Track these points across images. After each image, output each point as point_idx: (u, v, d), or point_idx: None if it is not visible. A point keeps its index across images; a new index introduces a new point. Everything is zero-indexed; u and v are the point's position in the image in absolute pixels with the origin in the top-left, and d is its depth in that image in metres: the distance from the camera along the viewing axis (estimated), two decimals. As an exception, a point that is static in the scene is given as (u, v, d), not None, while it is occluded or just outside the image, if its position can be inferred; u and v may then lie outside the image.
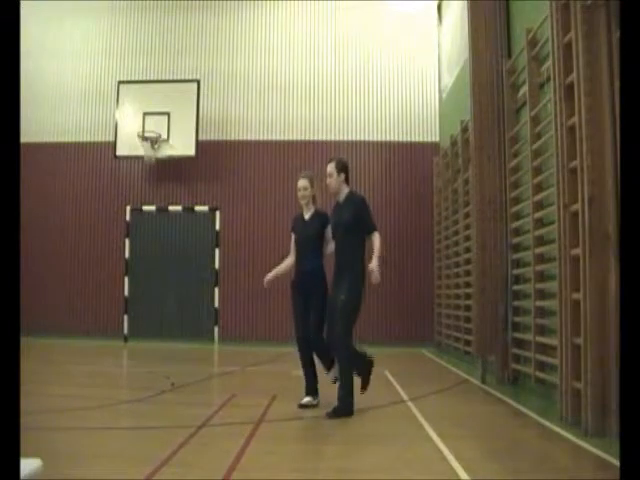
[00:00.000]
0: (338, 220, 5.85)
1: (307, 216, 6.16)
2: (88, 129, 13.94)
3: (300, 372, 6.12)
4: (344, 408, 5.51)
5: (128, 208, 13.52)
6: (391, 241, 13.16)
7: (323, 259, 6.05)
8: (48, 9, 14.05)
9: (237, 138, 13.84)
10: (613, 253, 4.63)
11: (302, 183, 6.14)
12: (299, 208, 6.30)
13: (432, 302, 12.69)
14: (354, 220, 5.73)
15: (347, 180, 5.94)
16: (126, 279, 13.24)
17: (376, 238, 5.73)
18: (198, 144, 13.06)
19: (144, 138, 12.91)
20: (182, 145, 13.03)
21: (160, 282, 13.42)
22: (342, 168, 5.88)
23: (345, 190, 5.90)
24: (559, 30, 5.39)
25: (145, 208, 13.60)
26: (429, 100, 13.71)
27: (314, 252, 6.00)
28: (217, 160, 13.73)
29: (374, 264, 5.57)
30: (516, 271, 7.60)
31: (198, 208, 13.63)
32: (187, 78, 13.49)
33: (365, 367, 5.94)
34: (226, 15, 14.15)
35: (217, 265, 13.41)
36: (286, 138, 13.78)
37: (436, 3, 13.70)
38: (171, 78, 13.58)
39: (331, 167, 5.87)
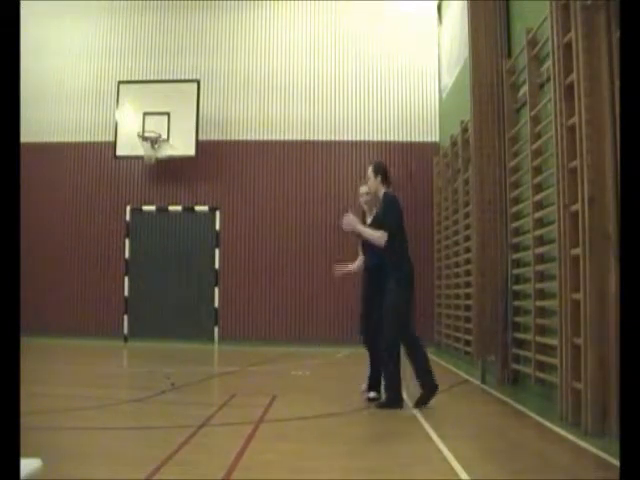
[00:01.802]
0: (379, 220, 6.16)
1: (369, 220, 6.44)
2: (88, 129, 13.95)
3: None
4: (389, 400, 5.77)
5: (128, 208, 13.52)
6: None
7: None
8: (48, 9, 14.05)
9: (237, 138, 13.84)
10: (613, 253, 4.63)
11: (363, 189, 6.51)
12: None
13: (432, 302, 12.68)
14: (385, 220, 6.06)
15: (385, 181, 6.19)
16: (126, 279, 13.25)
17: (380, 232, 5.93)
18: (198, 144, 13.06)
19: (144, 138, 12.91)
20: (182, 145, 13.03)
21: (160, 282, 13.42)
22: (378, 170, 6.21)
23: (382, 191, 6.17)
24: (559, 30, 5.39)
25: (145, 208, 13.60)
26: (429, 100, 13.71)
27: (374, 250, 6.19)
28: (217, 160, 13.73)
29: (361, 226, 6.07)
30: (516, 271, 7.59)
31: (198, 208, 13.63)
32: (187, 78, 13.50)
33: (430, 386, 6.01)
34: (226, 15, 14.15)
35: (217, 265, 13.41)
36: (286, 138, 13.78)
37: (436, 3, 13.70)
38: (171, 78, 13.59)
39: (369, 171, 6.23)
